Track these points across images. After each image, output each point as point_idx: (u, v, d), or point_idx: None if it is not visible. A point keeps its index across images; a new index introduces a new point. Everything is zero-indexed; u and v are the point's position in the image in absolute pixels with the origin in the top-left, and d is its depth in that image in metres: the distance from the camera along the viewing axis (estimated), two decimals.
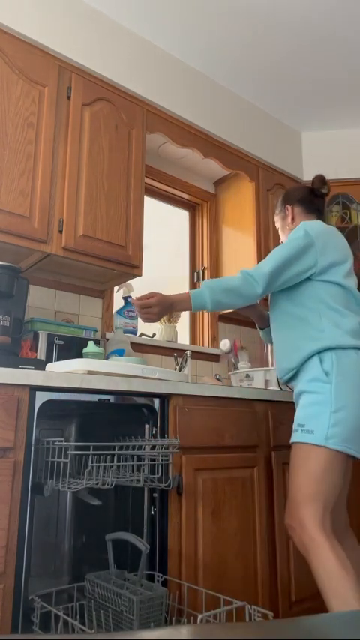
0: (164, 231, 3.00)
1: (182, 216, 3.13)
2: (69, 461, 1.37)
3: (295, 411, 1.65)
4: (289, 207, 1.89)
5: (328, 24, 2.38)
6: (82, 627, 1.23)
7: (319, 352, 1.57)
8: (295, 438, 1.55)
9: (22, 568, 1.29)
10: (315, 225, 1.70)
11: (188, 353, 2.48)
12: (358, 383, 1.53)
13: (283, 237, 1.94)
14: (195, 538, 1.61)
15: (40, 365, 1.63)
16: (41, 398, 1.41)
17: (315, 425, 1.50)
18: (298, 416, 1.57)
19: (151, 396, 1.65)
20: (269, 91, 2.84)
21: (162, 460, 1.54)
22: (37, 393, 1.41)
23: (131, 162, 2.24)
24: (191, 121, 2.55)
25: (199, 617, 1.23)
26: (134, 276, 2.24)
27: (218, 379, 2.56)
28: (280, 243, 1.87)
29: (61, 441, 1.37)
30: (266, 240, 2.79)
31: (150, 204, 2.79)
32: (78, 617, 1.47)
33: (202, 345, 2.93)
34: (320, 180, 1.91)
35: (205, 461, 1.69)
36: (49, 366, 1.62)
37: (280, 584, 1.83)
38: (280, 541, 1.87)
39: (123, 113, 2.25)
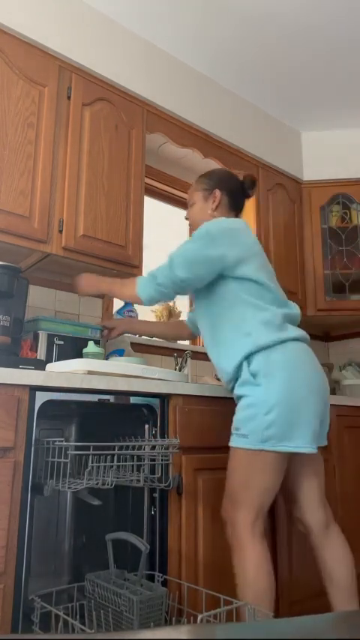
0: (164, 231, 2.99)
1: (182, 215, 3.13)
2: (69, 461, 1.37)
3: None
4: (219, 193, 1.78)
5: (329, 25, 2.37)
6: (82, 627, 1.23)
7: (247, 357, 1.55)
8: (231, 442, 1.53)
9: (22, 568, 1.29)
10: (218, 222, 1.65)
11: (188, 353, 2.48)
12: (286, 380, 1.49)
13: (193, 219, 1.83)
14: (195, 538, 1.61)
15: (40, 365, 1.63)
16: (41, 398, 1.41)
17: (249, 429, 1.48)
18: (235, 419, 1.55)
19: (151, 396, 1.65)
20: (269, 91, 2.84)
21: (162, 460, 1.54)
22: (37, 393, 1.41)
23: (131, 162, 2.24)
24: (191, 121, 2.55)
25: (199, 617, 1.23)
26: (134, 276, 2.23)
27: (218, 379, 2.55)
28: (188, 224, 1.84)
29: (61, 441, 1.37)
30: (266, 241, 2.79)
31: (150, 204, 2.79)
32: (78, 617, 1.46)
33: (202, 345, 2.93)
34: (254, 181, 1.84)
35: (205, 461, 1.69)
36: (49, 366, 1.62)
37: (280, 584, 1.83)
38: (280, 541, 1.87)
39: (123, 113, 2.25)
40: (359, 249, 2.99)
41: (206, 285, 1.65)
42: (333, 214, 3.08)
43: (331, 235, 3.04)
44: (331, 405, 2.23)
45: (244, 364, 1.55)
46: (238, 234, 1.64)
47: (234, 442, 1.52)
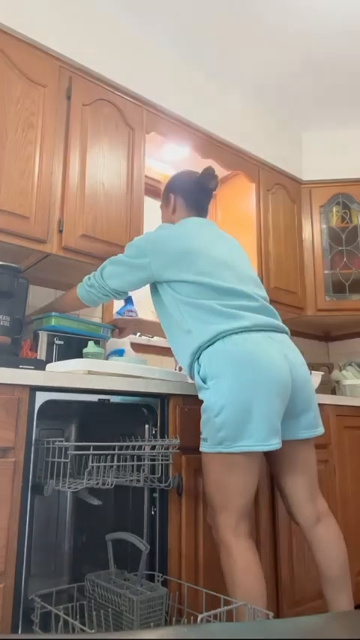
0: None
1: None
2: (69, 461, 1.37)
3: None
4: (172, 196, 1.80)
5: (330, 25, 2.38)
6: (82, 627, 1.23)
7: (193, 356, 1.54)
8: (200, 447, 1.51)
9: (22, 568, 1.29)
10: (147, 234, 1.70)
11: None
12: (232, 378, 1.44)
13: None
14: (195, 538, 1.61)
15: (40, 365, 1.63)
16: (41, 398, 1.41)
17: (206, 432, 1.47)
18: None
19: (151, 396, 1.65)
20: (269, 91, 2.84)
21: (162, 460, 1.54)
22: (37, 393, 1.41)
23: (131, 162, 2.24)
24: (191, 121, 2.55)
25: (199, 617, 1.23)
26: None
27: None
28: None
29: (61, 441, 1.37)
30: (266, 241, 2.80)
31: (150, 204, 2.79)
32: (78, 617, 1.47)
33: None
34: (209, 173, 1.78)
35: None
36: (49, 366, 1.62)
37: (280, 585, 1.83)
38: (281, 541, 1.87)
39: (123, 113, 2.25)
40: (359, 249, 2.99)
41: (152, 293, 1.72)
42: (333, 214, 3.08)
43: (331, 235, 3.04)
44: (331, 404, 2.25)
45: (195, 367, 1.55)
46: (164, 241, 1.63)
47: (201, 446, 1.50)
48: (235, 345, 1.47)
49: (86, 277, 1.79)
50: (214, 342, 1.50)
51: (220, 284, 1.57)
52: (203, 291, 1.56)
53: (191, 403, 1.70)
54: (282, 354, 1.51)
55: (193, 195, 1.79)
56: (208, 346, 1.51)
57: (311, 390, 1.58)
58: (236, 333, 1.50)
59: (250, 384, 1.43)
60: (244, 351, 1.46)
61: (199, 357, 1.54)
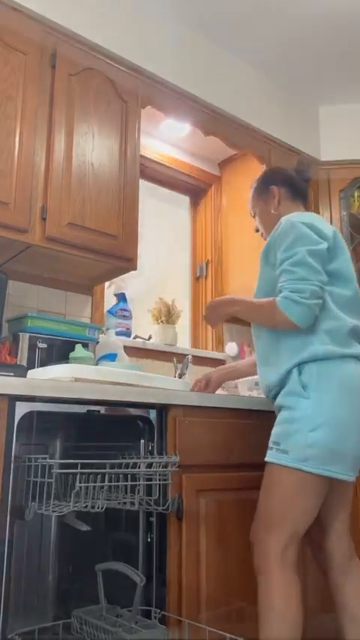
0: (162, 220, 3.00)
1: (183, 201, 3.14)
2: (54, 481, 1.37)
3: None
4: (275, 188, 1.86)
5: None
6: None
7: (299, 364, 1.58)
8: (268, 456, 1.56)
9: (0, 603, 1.29)
10: (297, 216, 1.68)
11: (189, 358, 2.48)
12: (342, 396, 1.53)
13: (263, 225, 1.90)
14: (197, 568, 1.61)
15: (21, 371, 1.63)
16: (22, 409, 1.41)
17: (290, 445, 1.51)
18: (274, 432, 1.58)
19: (148, 406, 1.65)
20: (283, 61, 2.84)
21: (160, 480, 1.54)
22: (17, 403, 1.41)
23: (124, 139, 2.24)
24: (192, 93, 2.55)
25: None
26: (128, 270, 2.24)
27: (223, 387, 2.56)
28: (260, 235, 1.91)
29: (45, 458, 1.37)
30: None
31: (146, 188, 2.79)
32: None
33: (206, 349, 2.93)
34: (307, 162, 1.95)
35: (209, 481, 1.69)
36: (31, 373, 1.62)
37: None
38: None
39: (115, 84, 2.25)
40: None
41: (263, 284, 1.73)
42: (355, 200, 3.08)
43: (352, 223, 3.04)
44: None
45: (294, 372, 1.58)
46: (320, 228, 1.66)
47: (272, 457, 1.54)
48: (350, 370, 1.58)
49: (287, 298, 1.56)
50: (332, 359, 1.57)
51: (356, 296, 1.69)
52: (343, 296, 1.65)
53: (193, 415, 1.70)
54: None
55: (297, 184, 1.89)
56: (322, 360, 1.57)
57: None
58: (353, 358, 1.60)
59: (355, 411, 1.53)
60: (356, 378, 1.57)
61: (305, 365, 1.58)
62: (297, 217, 1.67)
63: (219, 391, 2.23)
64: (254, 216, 1.94)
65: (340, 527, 1.67)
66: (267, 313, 1.63)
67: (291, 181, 1.88)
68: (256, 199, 1.92)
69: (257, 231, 1.96)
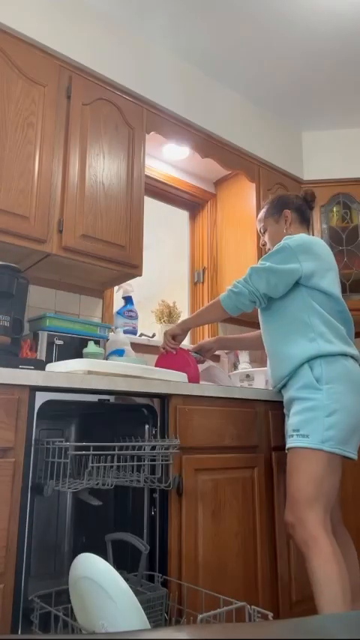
0: (165, 231, 2.99)
1: (182, 215, 3.14)
2: (69, 461, 1.37)
3: (285, 417, 1.77)
4: (288, 212, 1.94)
5: (331, 24, 2.38)
6: (81, 627, 1.23)
7: (308, 360, 1.65)
8: (291, 442, 1.62)
9: (21, 568, 1.29)
10: (297, 238, 1.77)
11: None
12: (348, 387, 1.61)
13: (272, 241, 1.97)
14: (195, 539, 1.61)
15: (40, 365, 1.63)
16: (41, 398, 1.41)
17: (310, 429, 1.58)
18: (292, 422, 1.63)
19: (151, 396, 1.65)
20: (269, 91, 2.84)
21: (162, 460, 1.54)
22: (36, 393, 1.41)
23: (131, 161, 2.24)
24: (191, 121, 2.55)
25: (199, 617, 1.23)
26: (134, 276, 2.24)
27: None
28: (265, 249, 1.98)
29: (61, 442, 1.37)
30: None
31: (150, 203, 2.79)
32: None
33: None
34: (312, 194, 2.02)
35: (206, 461, 1.69)
36: (49, 366, 1.62)
37: (280, 585, 1.83)
38: (280, 541, 1.87)
39: (123, 113, 2.25)
40: (359, 250, 2.99)
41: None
42: (334, 214, 3.08)
43: (331, 235, 3.04)
44: None
45: (306, 367, 1.64)
46: (313, 248, 1.75)
47: (295, 442, 1.60)
48: (351, 366, 1.67)
49: (229, 290, 1.81)
50: (335, 356, 1.65)
51: (345, 308, 1.78)
52: (335, 308, 1.74)
53: (192, 403, 1.70)
54: None
55: (305, 211, 1.98)
56: (327, 357, 1.64)
57: None
58: (351, 357, 1.69)
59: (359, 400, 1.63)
60: (357, 374, 1.67)
61: (315, 361, 1.64)
62: (297, 238, 1.76)
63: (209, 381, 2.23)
64: (264, 233, 2.00)
65: (335, 499, 1.73)
66: (211, 307, 1.86)
67: (301, 208, 1.96)
68: (269, 219, 1.98)
69: (264, 245, 2.02)
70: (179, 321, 2.11)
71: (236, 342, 2.27)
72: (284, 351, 1.72)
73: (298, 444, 1.59)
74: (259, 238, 2.77)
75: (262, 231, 2.01)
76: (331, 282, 1.76)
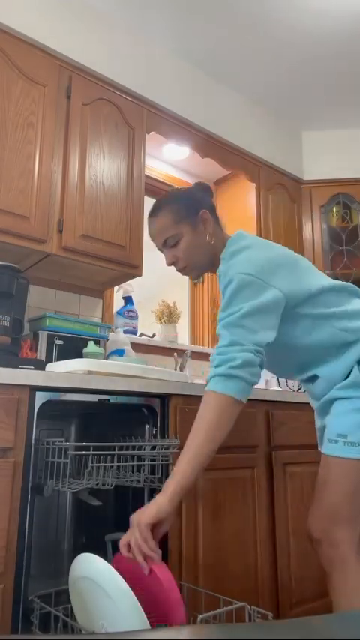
0: None
1: None
2: (69, 461, 1.37)
3: (312, 417, 1.54)
4: (207, 212, 1.48)
5: (331, 25, 2.38)
6: (81, 628, 1.23)
7: (358, 361, 1.35)
8: (334, 450, 1.32)
9: (21, 568, 1.29)
10: (243, 255, 1.37)
11: (188, 353, 2.48)
12: None
13: (190, 256, 1.48)
14: (195, 539, 1.61)
15: (40, 365, 1.63)
16: (41, 398, 1.41)
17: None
18: (336, 424, 1.34)
19: (151, 396, 1.65)
20: (270, 91, 2.84)
21: (162, 460, 1.54)
22: (36, 393, 1.41)
23: (131, 161, 2.24)
24: (191, 121, 2.55)
25: (199, 617, 1.23)
26: (134, 276, 2.24)
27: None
28: (178, 267, 1.52)
29: (61, 442, 1.37)
30: None
31: (150, 203, 2.79)
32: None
33: (203, 345, 2.93)
34: (205, 183, 1.60)
35: None
36: (49, 366, 1.62)
37: (280, 585, 1.83)
38: (280, 542, 1.87)
39: (123, 113, 2.25)
40: (359, 249, 3.00)
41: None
42: (333, 214, 3.08)
43: (331, 235, 3.04)
44: None
45: (356, 368, 1.35)
46: (274, 260, 1.37)
47: (341, 452, 1.31)
48: None
49: (216, 374, 1.32)
50: None
51: (343, 287, 1.47)
52: (343, 293, 1.44)
53: (191, 403, 1.70)
54: None
55: (214, 207, 1.54)
56: None
57: None
58: None
59: None
60: None
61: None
62: (245, 257, 1.38)
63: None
64: (173, 246, 1.51)
65: None
66: (207, 425, 1.32)
67: (212, 206, 1.55)
68: (182, 226, 1.50)
69: (174, 263, 1.57)
70: (154, 502, 1.24)
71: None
72: (333, 353, 1.38)
73: (345, 454, 1.29)
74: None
75: (170, 244, 1.49)
76: (316, 274, 1.43)
